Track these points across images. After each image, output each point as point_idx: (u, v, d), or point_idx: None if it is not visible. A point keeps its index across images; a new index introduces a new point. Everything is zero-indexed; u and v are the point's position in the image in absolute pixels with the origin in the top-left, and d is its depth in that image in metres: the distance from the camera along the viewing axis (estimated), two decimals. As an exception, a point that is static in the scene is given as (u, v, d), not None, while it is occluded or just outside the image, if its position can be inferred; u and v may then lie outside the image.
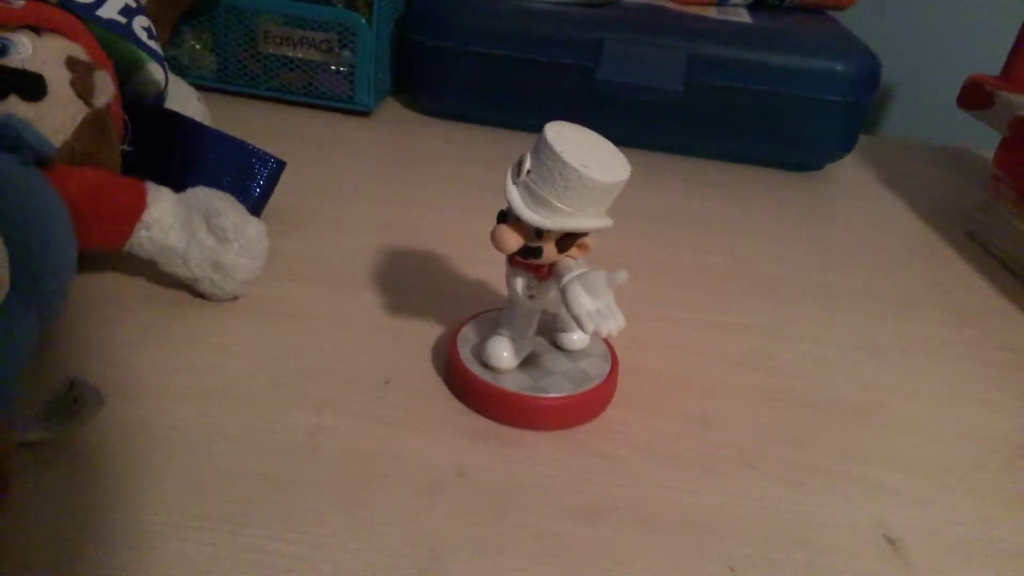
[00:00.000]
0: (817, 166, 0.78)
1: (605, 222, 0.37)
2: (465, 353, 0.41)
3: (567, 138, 0.35)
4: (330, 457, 0.37)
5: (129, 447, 0.36)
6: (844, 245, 0.64)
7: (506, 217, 0.37)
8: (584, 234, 0.37)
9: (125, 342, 0.42)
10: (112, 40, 0.52)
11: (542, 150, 0.35)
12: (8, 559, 0.30)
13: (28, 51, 0.43)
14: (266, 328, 0.45)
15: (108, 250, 0.44)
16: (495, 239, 0.36)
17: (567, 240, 0.37)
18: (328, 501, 0.35)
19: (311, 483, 0.35)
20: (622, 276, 0.35)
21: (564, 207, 0.35)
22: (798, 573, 0.34)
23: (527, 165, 0.35)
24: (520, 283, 0.39)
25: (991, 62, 0.78)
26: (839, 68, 0.70)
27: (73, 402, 0.36)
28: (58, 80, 0.44)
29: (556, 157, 0.34)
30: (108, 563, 0.31)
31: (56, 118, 0.43)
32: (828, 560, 0.35)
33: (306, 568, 0.31)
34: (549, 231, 0.36)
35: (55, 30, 0.45)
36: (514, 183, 0.36)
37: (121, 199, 0.43)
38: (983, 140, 0.83)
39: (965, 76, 0.77)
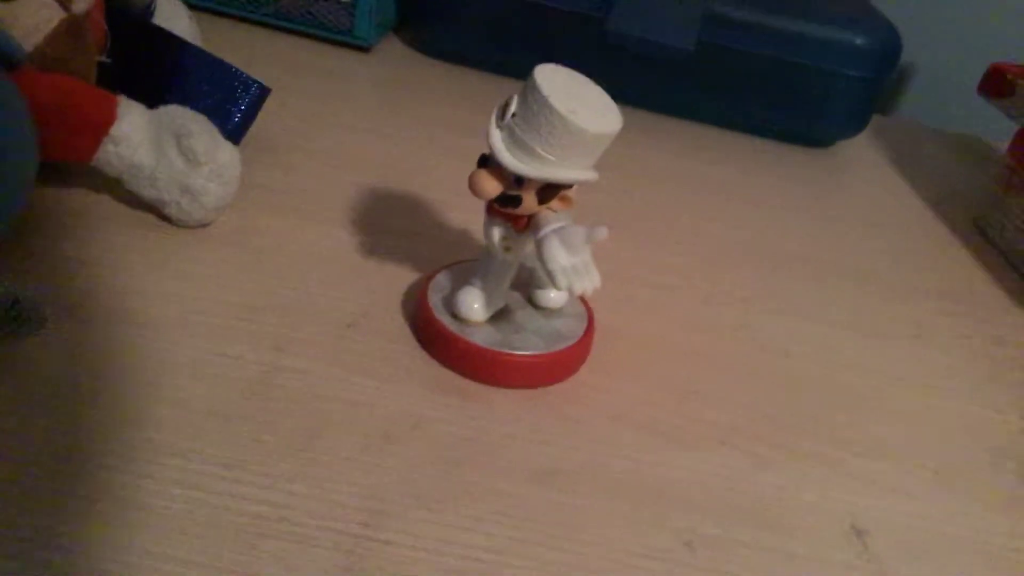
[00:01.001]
0: (827, 142, 0.75)
1: (589, 175, 0.34)
2: (435, 301, 0.40)
3: (558, 82, 0.33)
4: (284, 397, 0.35)
5: (73, 370, 0.34)
6: (847, 224, 0.62)
7: (487, 162, 0.35)
8: (567, 186, 0.35)
9: (82, 261, 0.40)
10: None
11: (529, 93, 0.33)
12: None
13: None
14: (232, 259, 0.43)
15: (74, 162, 0.42)
16: (472, 184, 0.34)
17: (548, 191, 0.34)
18: (277, 442, 0.33)
19: (262, 422, 0.34)
20: (601, 232, 0.33)
21: (547, 155, 0.33)
22: (759, 556, 0.33)
23: (513, 107, 0.33)
24: (497, 233, 0.37)
25: (1014, 51, 0.75)
26: (859, 42, 0.67)
27: (13, 319, 0.34)
28: (33, -20, 0.41)
29: (543, 101, 0.32)
30: (44, 487, 0.29)
31: (29, 20, 0.41)
32: (792, 545, 0.33)
33: (247, 508, 0.30)
34: (530, 180, 0.34)
35: (34, -72, 0.43)
36: (498, 126, 0.34)
37: (89, 109, 0.41)
38: (998, 131, 0.81)
39: (985, 63, 0.74)
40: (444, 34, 0.74)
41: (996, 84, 0.71)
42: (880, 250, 0.59)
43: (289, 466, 0.32)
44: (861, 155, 0.76)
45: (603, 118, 0.33)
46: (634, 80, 0.69)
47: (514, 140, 0.33)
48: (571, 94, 0.33)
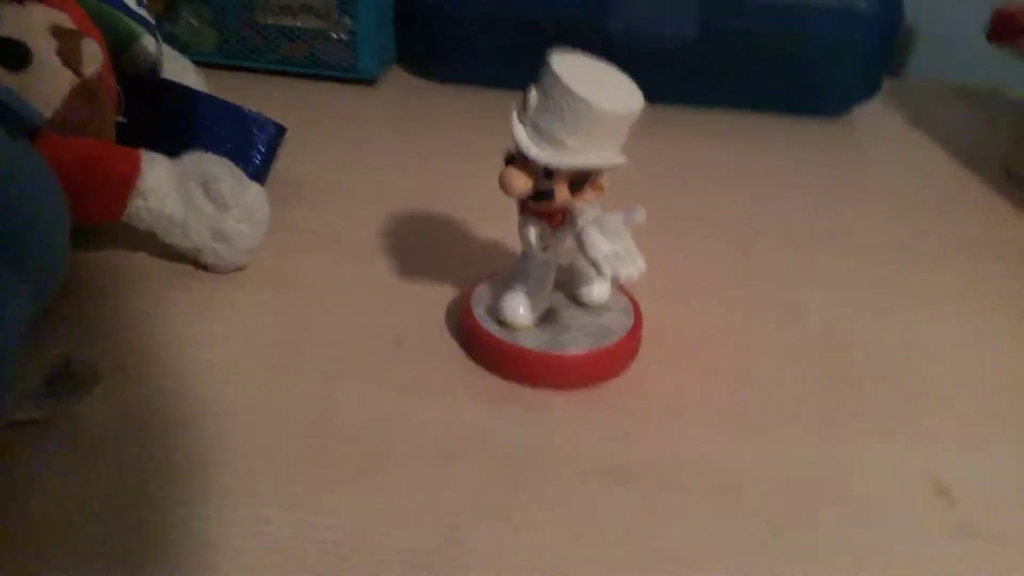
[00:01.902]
0: (842, 111, 0.74)
1: (619, 159, 0.34)
2: (479, 312, 0.39)
3: (574, 68, 0.33)
4: (342, 427, 0.35)
5: (132, 424, 0.34)
6: (875, 191, 0.61)
7: (514, 159, 0.34)
8: (598, 173, 0.35)
9: (127, 317, 0.41)
10: (103, 13, 0.50)
11: (548, 82, 0.32)
12: (12, 537, 0.29)
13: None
14: (273, 299, 0.43)
15: (106, 221, 0.42)
16: (503, 182, 0.34)
17: (579, 180, 0.34)
18: (342, 472, 0.33)
19: (324, 455, 0.33)
20: (640, 215, 0.33)
21: (574, 142, 0.32)
22: (844, 527, 0.32)
23: (533, 100, 0.33)
24: (533, 233, 0.37)
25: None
26: (861, 6, 0.66)
27: (69, 379, 0.34)
28: (43, 49, 0.42)
29: (563, 88, 0.32)
30: (112, 540, 0.29)
31: (43, 87, 0.41)
32: (876, 513, 0.32)
33: (319, 539, 0.30)
34: (560, 170, 0.33)
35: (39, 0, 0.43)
36: (520, 121, 0.34)
37: (114, 168, 0.41)
38: (1012, 79, 0.79)
39: (989, 11, 0.73)
40: (446, 60, 0.74)
41: (1005, 29, 0.70)
42: (911, 213, 0.58)
43: (357, 495, 0.32)
44: (878, 120, 0.75)
45: (625, 98, 0.33)
46: (641, 76, 0.68)
47: (539, 132, 0.33)
48: (589, 78, 0.33)
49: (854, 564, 0.30)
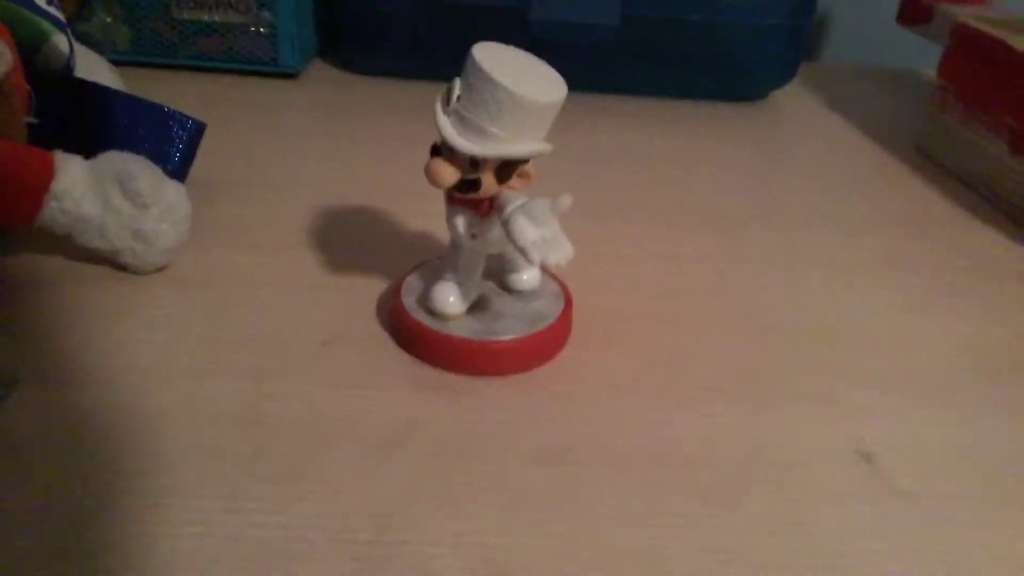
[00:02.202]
0: (761, 95, 0.76)
1: (544, 147, 0.34)
2: (410, 303, 0.39)
3: (497, 58, 0.33)
4: (275, 423, 0.34)
5: (55, 431, 0.33)
6: (795, 170, 0.63)
7: (439, 150, 0.34)
8: (524, 162, 0.35)
9: (44, 322, 0.39)
10: (11, 13, 0.49)
11: (471, 72, 0.32)
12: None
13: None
14: (197, 297, 0.42)
15: (19, 226, 0.41)
16: (429, 174, 0.34)
17: (506, 169, 0.34)
18: (276, 467, 0.32)
19: (257, 451, 0.33)
20: (566, 201, 0.33)
21: (499, 132, 0.33)
22: (773, 496, 0.32)
23: (456, 91, 0.33)
24: (461, 222, 0.37)
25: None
26: (777, -8, 0.68)
27: (-15, 387, 0.33)
28: (-55, 49, 0.40)
29: (486, 78, 0.32)
30: (44, 550, 0.28)
31: (-52, 90, 0.40)
32: (803, 480, 0.33)
33: (255, 535, 0.29)
34: (485, 160, 0.34)
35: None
36: (444, 112, 0.34)
37: (25, 168, 0.40)
38: (922, 60, 0.82)
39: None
40: (369, 50, 0.73)
41: (914, 12, 0.72)
42: (831, 190, 0.59)
43: (291, 488, 0.31)
44: (796, 103, 0.77)
45: (548, 87, 0.33)
46: (564, 65, 0.68)
47: (463, 123, 0.33)
48: (512, 68, 0.33)
49: (778, 531, 0.31)
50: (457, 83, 0.33)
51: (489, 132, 0.33)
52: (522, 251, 0.33)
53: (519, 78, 0.32)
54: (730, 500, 0.32)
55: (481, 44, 0.33)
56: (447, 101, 0.33)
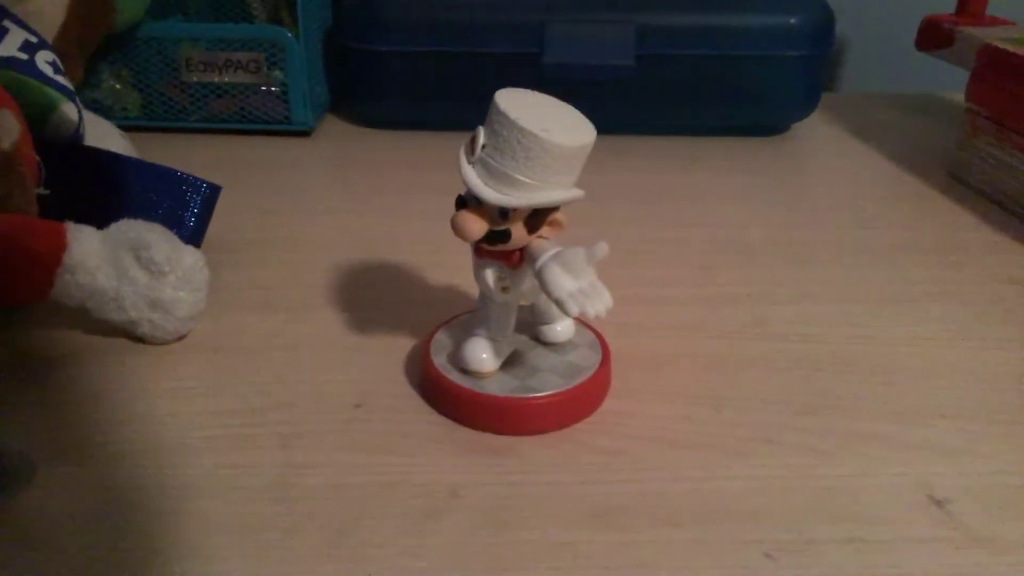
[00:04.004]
0: (783, 128, 0.75)
1: (575, 193, 0.33)
2: (441, 361, 0.37)
3: (522, 103, 0.31)
4: (306, 496, 0.33)
5: (79, 515, 0.31)
6: (824, 202, 0.61)
7: (465, 202, 0.33)
8: (554, 209, 0.33)
9: (62, 401, 0.38)
10: (18, 83, 0.48)
11: (496, 119, 0.31)
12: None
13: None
14: (218, 365, 0.40)
15: (33, 301, 0.40)
16: (456, 227, 0.32)
17: (536, 218, 0.33)
18: (309, 544, 0.30)
19: (289, 527, 0.31)
20: (602, 249, 0.31)
21: (528, 180, 0.31)
22: (843, 551, 0.30)
23: (481, 140, 0.32)
24: (491, 275, 0.35)
25: (941, 2, 0.76)
26: (793, 22, 0.67)
27: (1, 475, 0.31)
28: (-48, 123, 0.39)
29: (512, 124, 0.30)
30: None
31: (-45, 164, 0.39)
32: (873, 532, 0.31)
33: (288, 627, 0.27)
34: (515, 210, 0.32)
35: (-55, 72, 0.41)
36: (469, 163, 0.32)
37: (36, 242, 0.38)
38: (943, 83, 0.81)
39: (917, 20, 0.74)
40: (382, 103, 0.72)
41: (934, 36, 0.71)
42: (864, 221, 0.58)
43: (328, 566, 0.29)
44: (819, 134, 0.75)
45: (576, 130, 0.32)
46: (580, 107, 0.68)
47: (490, 172, 0.31)
48: (537, 112, 0.31)
49: (860, 592, 0.29)
50: (481, 131, 0.32)
51: (517, 180, 0.31)
52: (558, 303, 0.31)
53: (546, 123, 0.31)
54: (800, 555, 0.30)
55: (504, 90, 0.32)
56: (471, 151, 0.32)
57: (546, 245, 0.33)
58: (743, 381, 0.40)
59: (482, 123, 0.32)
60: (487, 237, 0.33)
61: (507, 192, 0.31)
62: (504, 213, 0.32)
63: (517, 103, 0.31)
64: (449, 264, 0.45)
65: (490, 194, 0.31)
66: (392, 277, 0.49)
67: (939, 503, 0.32)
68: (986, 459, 0.35)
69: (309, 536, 0.31)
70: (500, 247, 0.33)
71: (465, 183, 0.32)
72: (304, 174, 0.65)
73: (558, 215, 0.33)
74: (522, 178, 0.31)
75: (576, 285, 0.31)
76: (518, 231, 0.33)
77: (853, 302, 0.47)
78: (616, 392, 0.39)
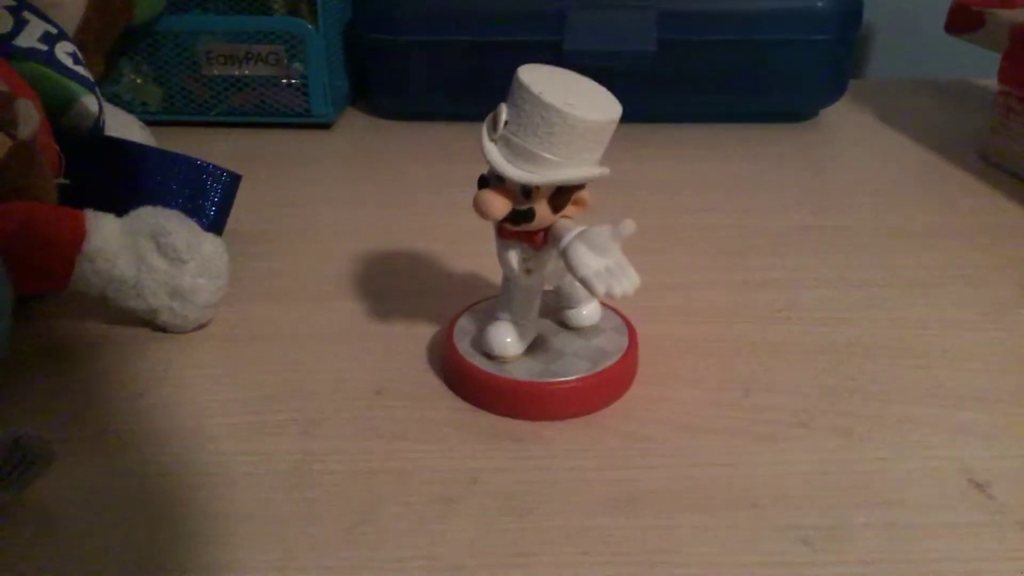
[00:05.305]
0: (810, 114, 0.73)
1: (601, 170, 0.32)
2: (464, 346, 0.37)
3: (545, 78, 0.31)
4: (326, 483, 0.32)
5: (97, 501, 0.31)
6: (853, 188, 0.60)
7: (488, 181, 0.32)
8: (579, 187, 0.32)
9: (81, 389, 0.37)
10: (39, 74, 0.48)
11: (518, 95, 0.30)
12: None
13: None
14: (238, 354, 0.40)
15: (53, 289, 0.39)
16: (478, 206, 0.31)
17: (560, 196, 0.32)
18: (330, 530, 0.30)
19: (309, 514, 0.30)
20: (629, 226, 0.30)
21: (552, 156, 0.30)
22: (882, 536, 0.29)
23: (504, 116, 0.31)
24: (514, 257, 0.34)
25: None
26: (820, 5, 0.65)
27: (19, 462, 0.31)
28: (-28, 112, 0.39)
29: (535, 99, 0.30)
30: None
31: (-25, 154, 0.39)
32: (912, 516, 0.30)
33: (310, 613, 0.27)
34: (538, 187, 0.31)
35: (-35, 62, 0.41)
36: (491, 140, 0.31)
37: (56, 230, 0.38)
38: (976, 68, 0.79)
39: (944, 4, 0.73)
40: (403, 94, 0.72)
41: (963, 19, 0.69)
42: (894, 206, 0.56)
43: (348, 552, 0.29)
44: (847, 120, 0.74)
45: (602, 106, 0.31)
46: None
47: (513, 149, 0.31)
48: (561, 88, 0.30)
49: (896, 573, 0.28)
50: (503, 108, 0.31)
51: (541, 157, 0.30)
52: (584, 283, 0.30)
53: (570, 97, 0.30)
54: (837, 541, 0.29)
55: (527, 66, 0.31)
56: (494, 128, 0.31)
57: (571, 224, 0.32)
58: (773, 365, 0.39)
59: (510, 86, 0.31)
60: (511, 217, 0.32)
61: (530, 169, 0.31)
62: (527, 191, 0.31)
63: (540, 78, 0.31)
64: (470, 252, 0.45)
65: (513, 171, 0.31)
66: (413, 267, 0.48)
67: (980, 486, 0.31)
68: (1026, 442, 0.34)
69: (329, 523, 0.30)
70: (524, 227, 0.32)
71: (487, 161, 0.31)
72: (325, 166, 0.65)
73: (583, 193, 0.33)
74: (545, 155, 0.30)
75: (602, 264, 0.31)
76: (542, 210, 0.32)
77: (883, 286, 0.46)
78: (643, 378, 0.38)
